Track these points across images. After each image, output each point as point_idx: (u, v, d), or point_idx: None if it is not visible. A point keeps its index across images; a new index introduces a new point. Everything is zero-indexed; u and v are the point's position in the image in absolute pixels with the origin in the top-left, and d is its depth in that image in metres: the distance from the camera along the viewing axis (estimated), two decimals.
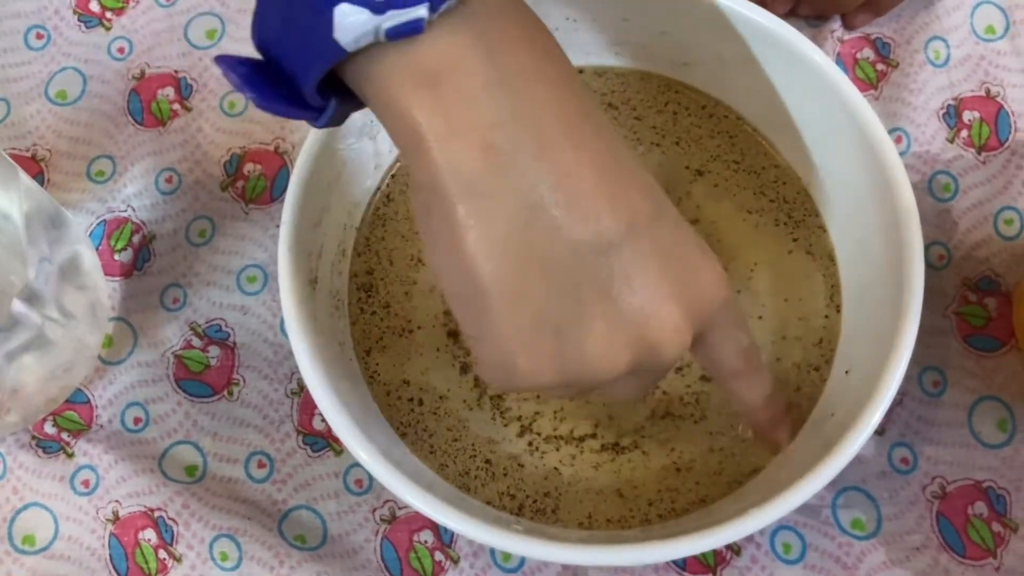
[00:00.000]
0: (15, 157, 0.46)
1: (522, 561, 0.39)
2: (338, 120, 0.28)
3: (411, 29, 0.24)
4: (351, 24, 0.24)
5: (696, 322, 0.28)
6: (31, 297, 0.36)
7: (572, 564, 0.38)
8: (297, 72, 0.26)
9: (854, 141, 0.36)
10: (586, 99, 0.27)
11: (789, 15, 0.45)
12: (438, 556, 0.39)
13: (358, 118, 0.38)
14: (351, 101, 0.28)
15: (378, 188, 0.41)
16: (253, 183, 0.45)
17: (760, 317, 0.38)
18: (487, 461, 0.37)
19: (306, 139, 0.36)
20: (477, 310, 0.27)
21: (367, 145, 0.39)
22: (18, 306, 0.36)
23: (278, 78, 0.26)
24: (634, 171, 0.27)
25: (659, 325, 0.27)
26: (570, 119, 0.26)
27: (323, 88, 0.26)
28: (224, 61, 0.26)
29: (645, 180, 0.28)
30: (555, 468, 0.37)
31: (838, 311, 0.38)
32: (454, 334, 0.39)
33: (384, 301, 0.40)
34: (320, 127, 0.28)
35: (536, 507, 0.36)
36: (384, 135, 0.40)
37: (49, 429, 0.42)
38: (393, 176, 0.41)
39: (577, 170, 0.26)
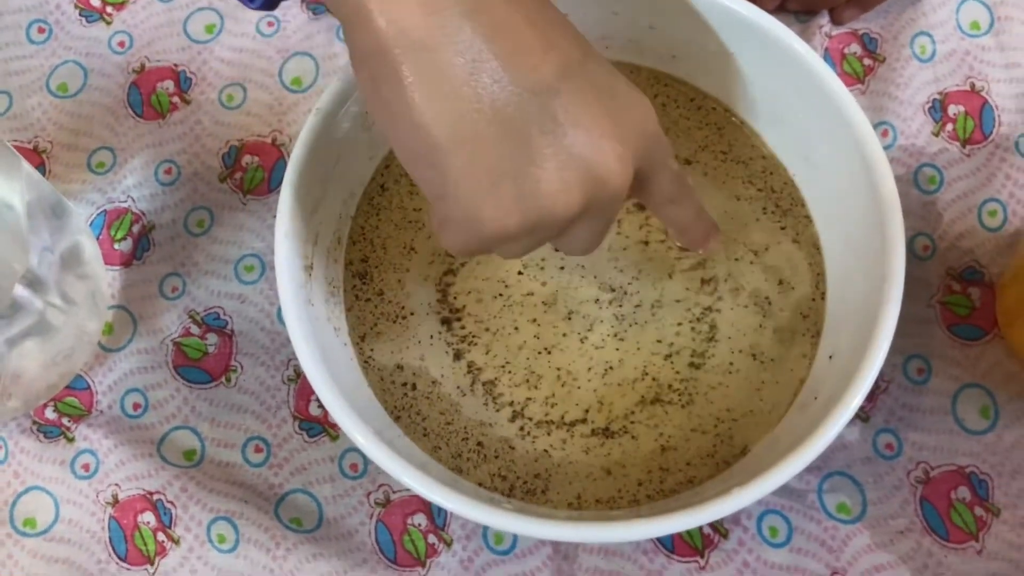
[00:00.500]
0: (17, 149, 0.46)
1: (514, 544, 0.39)
2: (272, 3, 0.30)
3: None
4: None
5: (635, 153, 0.30)
6: (34, 282, 0.37)
7: (561, 541, 0.38)
8: None
9: (838, 132, 0.36)
10: None
11: (778, 10, 0.46)
12: (431, 539, 0.40)
13: (353, 109, 0.38)
14: None
15: (372, 178, 0.42)
16: (251, 174, 0.45)
17: (745, 306, 0.39)
18: (479, 444, 0.38)
19: (302, 130, 0.37)
20: (436, 168, 0.27)
21: (362, 136, 0.40)
22: (20, 291, 0.37)
23: None
24: (561, 22, 0.29)
25: (604, 157, 0.28)
26: None
27: None
28: None
29: (571, 29, 0.30)
30: (545, 451, 0.38)
31: (823, 298, 0.39)
32: (447, 321, 0.40)
33: (378, 288, 0.40)
34: (254, 8, 0.30)
35: (527, 488, 0.37)
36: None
37: (50, 414, 0.42)
38: (388, 167, 0.42)
39: (511, 22, 0.27)
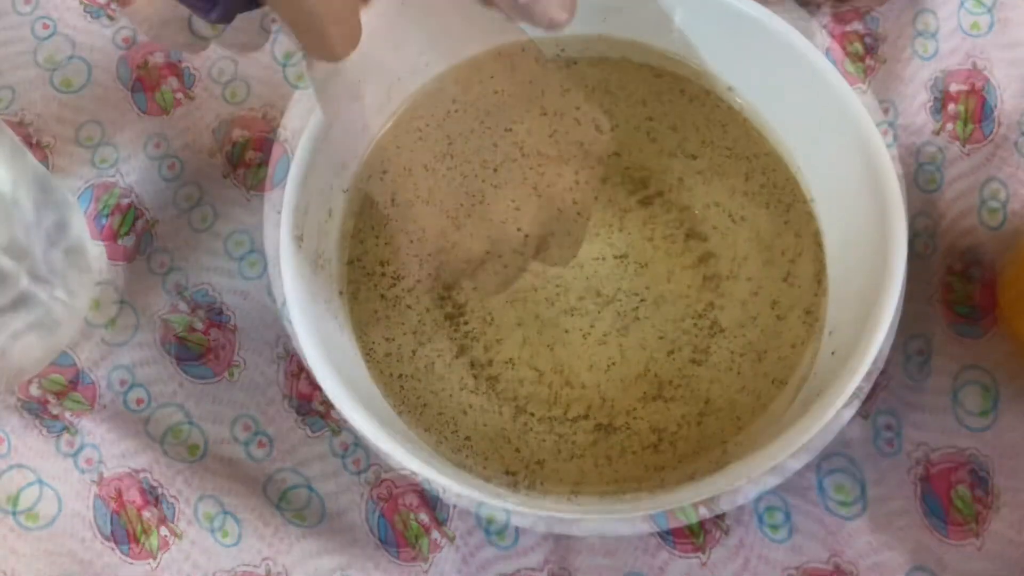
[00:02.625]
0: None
1: (515, 540, 0.40)
2: (229, 15, 0.31)
3: None
4: None
5: None
6: (18, 254, 0.37)
7: (563, 532, 0.39)
8: None
9: (841, 129, 0.37)
10: None
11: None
12: (434, 534, 0.40)
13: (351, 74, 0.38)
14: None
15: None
16: (254, 170, 0.46)
17: (747, 302, 0.39)
18: (482, 438, 0.38)
19: (302, 137, 0.37)
20: None
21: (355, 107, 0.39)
22: (3, 261, 0.36)
23: None
24: None
25: None
26: None
27: None
28: None
29: None
30: (548, 446, 0.38)
31: (825, 294, 0.39)
32: (451, 316, 0.40)
33: (383, 284, 0.40)
34: (212, 21, 0.30)
35: (529, 481, 0.37)
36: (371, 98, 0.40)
37: (34, 391, 0.42)
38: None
39: None
